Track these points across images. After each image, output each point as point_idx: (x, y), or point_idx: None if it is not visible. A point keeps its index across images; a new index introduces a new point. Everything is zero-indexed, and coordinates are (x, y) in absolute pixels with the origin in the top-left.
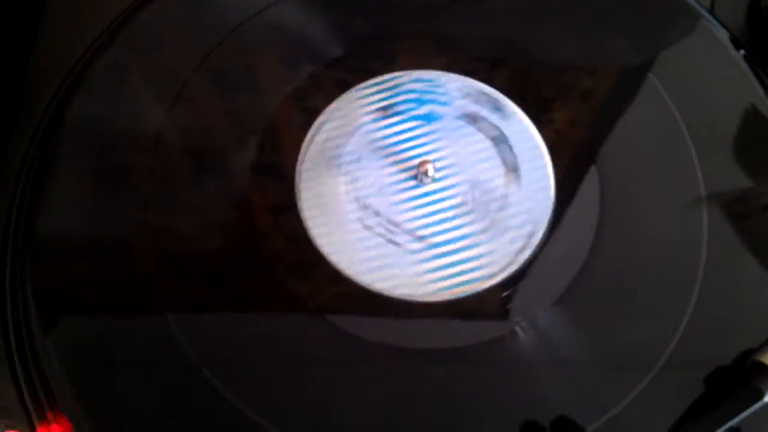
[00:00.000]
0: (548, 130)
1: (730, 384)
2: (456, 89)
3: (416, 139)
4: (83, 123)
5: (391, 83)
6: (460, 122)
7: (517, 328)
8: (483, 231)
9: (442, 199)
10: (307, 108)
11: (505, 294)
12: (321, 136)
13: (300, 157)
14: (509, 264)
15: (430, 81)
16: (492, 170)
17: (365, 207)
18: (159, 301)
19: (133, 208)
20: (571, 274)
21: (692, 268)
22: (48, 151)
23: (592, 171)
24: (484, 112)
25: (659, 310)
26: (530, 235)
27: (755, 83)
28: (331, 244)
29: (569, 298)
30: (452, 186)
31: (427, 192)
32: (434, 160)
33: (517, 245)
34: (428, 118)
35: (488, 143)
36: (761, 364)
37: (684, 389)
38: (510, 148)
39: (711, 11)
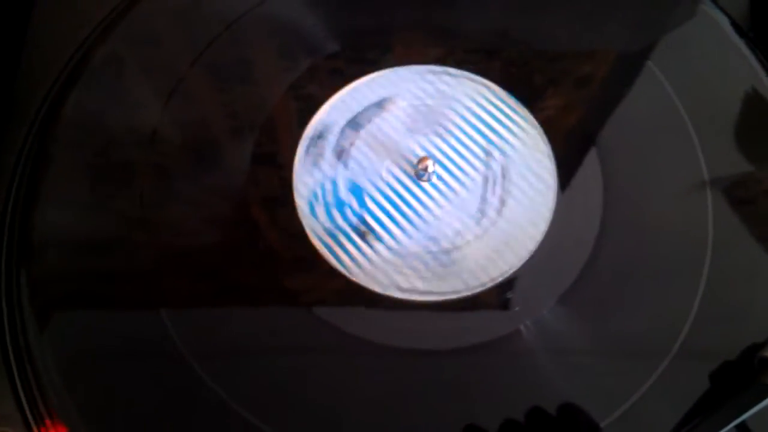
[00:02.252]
0: (547, 117)
1: (737, 380)
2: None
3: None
4: (79, 118)
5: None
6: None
7: (522, 327)
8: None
9: (443, 196)
10: (305, 101)
11: (508, 291)
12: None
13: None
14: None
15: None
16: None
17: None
18: (156, 297)
19: (129, 204)
20: (576, 270)
21: (698, 257)
22: (43, 147)
23: (594, 160)
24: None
25: (666, 302)
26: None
27: (757, 68)
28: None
29: (574, 293)
30: (453, 182)
31: (427, 188)
32: (434, 157)
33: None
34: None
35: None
36: None
37: (693, 383)
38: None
39: None
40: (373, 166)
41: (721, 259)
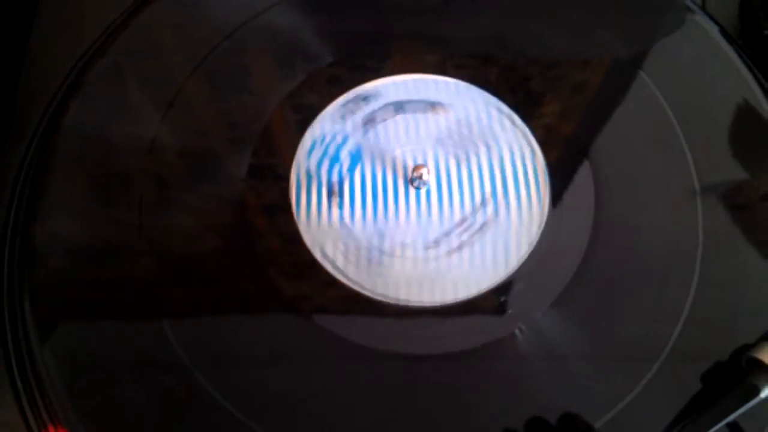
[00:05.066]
0: (540, 126)
1: (726, 381)
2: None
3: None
4: (79, 128)
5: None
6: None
7: (516, 330)
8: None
9: (438, 203)
10: (302, 110)
11: (502, 296)
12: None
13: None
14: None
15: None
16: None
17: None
18: (156, 305)
19: (130, 213)
20: (569, 274)
21: (689, 262)
22: (44, 157)
23: (586, 168)
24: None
25: (657, 306)
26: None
27: (747, 76)
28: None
29: (567, 297)
30: (447, 189)
31: (423, 196)
32: (429, 164)
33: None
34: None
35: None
36: (757, 361)
37: (686, 384)
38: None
39: (702, 5)
40: (384, 149)
41: (711, 265)
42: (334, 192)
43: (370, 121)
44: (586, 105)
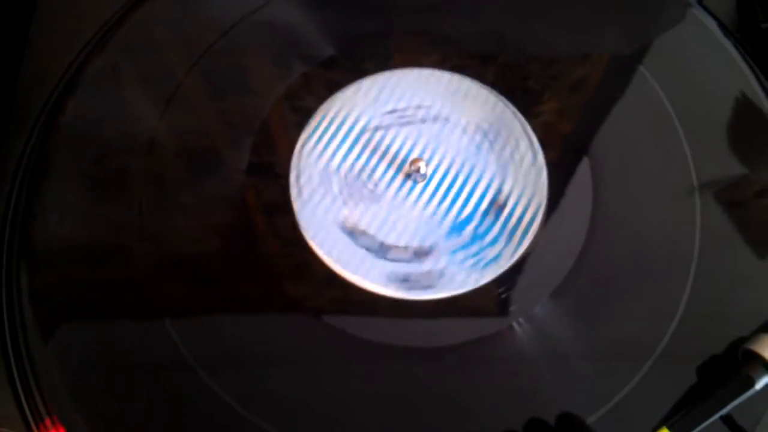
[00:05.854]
0: (539, 122)
1: (722, 373)
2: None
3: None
4: (77, 127)
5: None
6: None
7: (514, 324)
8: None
9: (435, 197)
10: (301, 108)
11: (500, 290)
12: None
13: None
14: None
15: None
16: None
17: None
18: (156, 305)
19: (128, 212)
20: (567, 268)
21: (686, 257)
22: (42, 156)
23: (585, 163)
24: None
25: (654, 301)
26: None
27: (745, 71)
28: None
29: (565, 291)
30: (445, 184)
31: (420, 190)
32: (427, 159)
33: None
34: None
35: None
36: (752, 353)
37: (680, 378)
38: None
39: (700, 0)
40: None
41: (708, 261)
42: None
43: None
44: (587, 100)
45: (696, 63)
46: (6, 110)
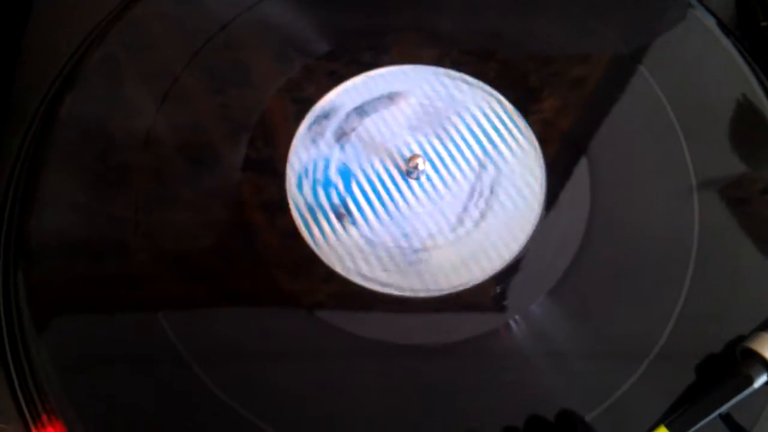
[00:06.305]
0: (538, 120)
1: (721, 371)
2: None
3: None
4: (75, 121)
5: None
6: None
7: (511, 321)
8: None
9: (427, 196)
10: (299, 102)
11: (497, 287)
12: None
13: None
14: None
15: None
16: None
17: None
18: (153, 300)
19: (126, 207)
20: (564, 266)
21: (684, 256)
22: (40, 150)
23: (583, 161)
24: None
25: (652, 299)
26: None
27: (745, 69)
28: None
29: (562, 289)
30: (442, 181)
31: (414, 186)
32: (428, 157)
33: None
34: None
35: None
36: (751, 351)
37: (679, 377)
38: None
39: None
40: (367, 155)
41: (707, 260)
42: (342, 214)
43: (342, 136)
44: (586, 99)
45: (695, 61)
46: (4, 105)
